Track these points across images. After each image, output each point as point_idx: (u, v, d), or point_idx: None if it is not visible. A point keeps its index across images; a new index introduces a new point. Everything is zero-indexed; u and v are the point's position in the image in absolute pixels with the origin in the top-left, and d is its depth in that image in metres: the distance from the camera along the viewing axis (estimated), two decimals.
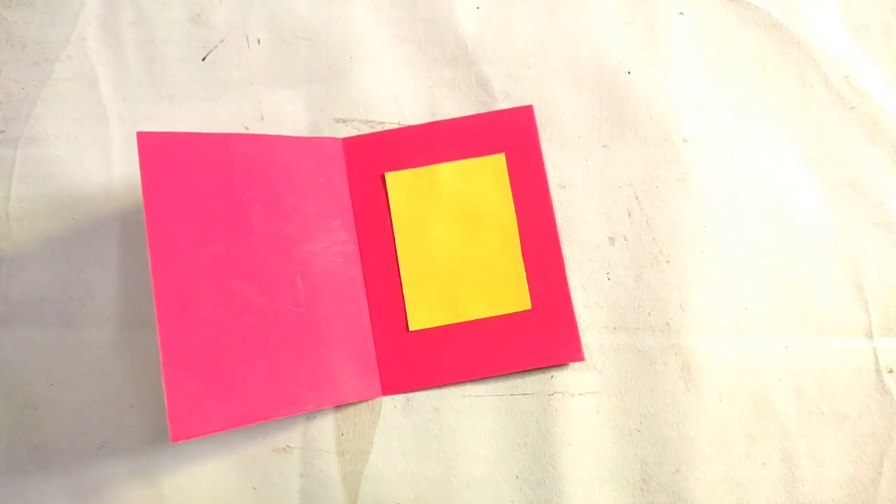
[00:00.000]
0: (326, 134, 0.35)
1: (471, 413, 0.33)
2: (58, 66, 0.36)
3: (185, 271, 0.29)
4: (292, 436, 0.33)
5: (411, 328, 0.33)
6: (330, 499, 0.33)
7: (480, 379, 0.33)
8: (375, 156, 0.34)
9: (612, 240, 0.34)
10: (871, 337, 0.33)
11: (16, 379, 0.34)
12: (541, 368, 0.33)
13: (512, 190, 0.34)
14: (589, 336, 0.33)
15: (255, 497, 0.33)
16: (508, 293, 0.34)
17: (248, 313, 0.31)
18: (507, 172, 0.34)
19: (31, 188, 0.35)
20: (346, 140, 0.35)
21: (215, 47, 0.36)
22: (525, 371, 0.33)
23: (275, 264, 0.32)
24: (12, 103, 0.36)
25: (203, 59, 0.36)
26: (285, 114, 0.35)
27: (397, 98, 0.35)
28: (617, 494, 0.32)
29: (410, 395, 0.33)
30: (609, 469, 0.33)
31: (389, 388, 0.33)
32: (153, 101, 0.35)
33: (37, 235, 0.35)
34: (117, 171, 0.35)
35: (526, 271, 0.34)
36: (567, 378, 0.33)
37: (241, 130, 0.35)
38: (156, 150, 0.31)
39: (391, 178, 0.34)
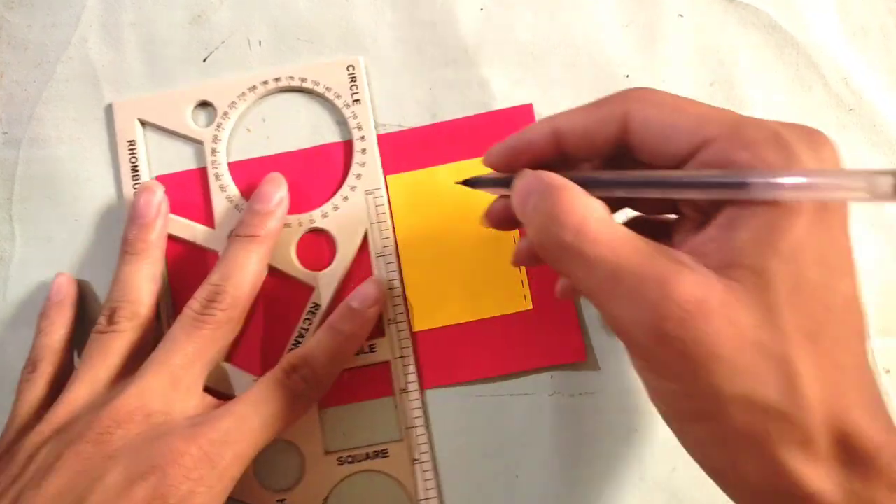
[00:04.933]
0: (327, 137, 0.35)
1: (471, 413, 0.33)
2: (59, 68, 0.36)
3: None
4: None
5: (415, 329, 0.34)
6: None
7: (481, 379, 0.33)
8: None
9: None
10: (868, 337, 0.33)
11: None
12: (541, 368, 0.33)
13: None
14: (589, 336, 0.33)
15: None
16: (510, 293, 0.34)
17: None
18: None
19: (33, 189, 0.35)
20: (346, 143, 0.35)
21: (216, 49, 0.36)
22: (525, 371, 0.33)
23: None
24: (14, 105, 0.36)
25: (204, 61, 0.36)
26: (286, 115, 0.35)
27: (398, 100, 0.35)
28: (615, 493, 0.33)
29: None
30: (607, 468, 0.33)
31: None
32: None
33: (40, 237, 0.35)
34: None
35: (527, 271, 0.34)
36: (567, 378, 0.33)
37: (243, 132, 0.35)
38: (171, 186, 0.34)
39: (392, 180, 0.34)
